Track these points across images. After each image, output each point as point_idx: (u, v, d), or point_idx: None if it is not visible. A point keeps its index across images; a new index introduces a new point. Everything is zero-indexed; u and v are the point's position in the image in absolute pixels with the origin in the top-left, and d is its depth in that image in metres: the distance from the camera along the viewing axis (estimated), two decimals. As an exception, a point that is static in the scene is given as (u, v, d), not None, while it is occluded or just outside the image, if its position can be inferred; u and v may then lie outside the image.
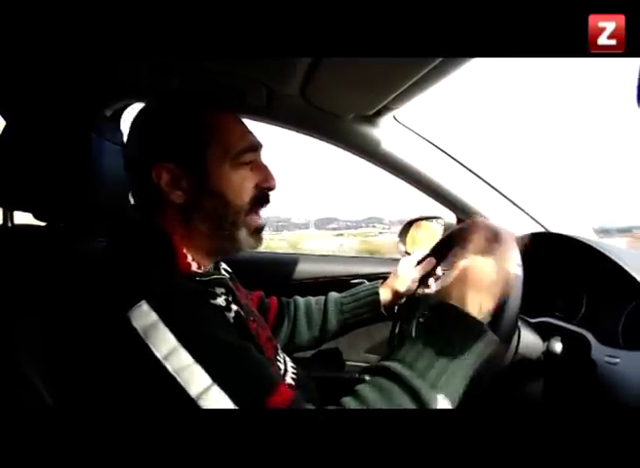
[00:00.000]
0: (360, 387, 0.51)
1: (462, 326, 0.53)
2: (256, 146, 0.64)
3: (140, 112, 0.65)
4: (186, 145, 0.60)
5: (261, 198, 0.64)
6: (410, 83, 0.78)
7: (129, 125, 0.66)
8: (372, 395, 0.49)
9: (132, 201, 0.67)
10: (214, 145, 0.60)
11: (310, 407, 0.50)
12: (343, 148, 1.08)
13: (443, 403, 0.49)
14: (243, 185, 0.62)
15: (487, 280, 0.56)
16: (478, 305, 0.54)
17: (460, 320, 0.53)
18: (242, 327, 0.57)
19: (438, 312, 0.56)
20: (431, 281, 0.92)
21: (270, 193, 0.66)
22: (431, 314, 0.59)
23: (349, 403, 0.49)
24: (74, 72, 0.90)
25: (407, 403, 0.48)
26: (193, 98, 0.64)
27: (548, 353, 0.67)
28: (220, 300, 0.57)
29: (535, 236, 0.90)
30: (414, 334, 0.86)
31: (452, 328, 0.53)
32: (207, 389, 0.45)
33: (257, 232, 0.65)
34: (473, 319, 0.53)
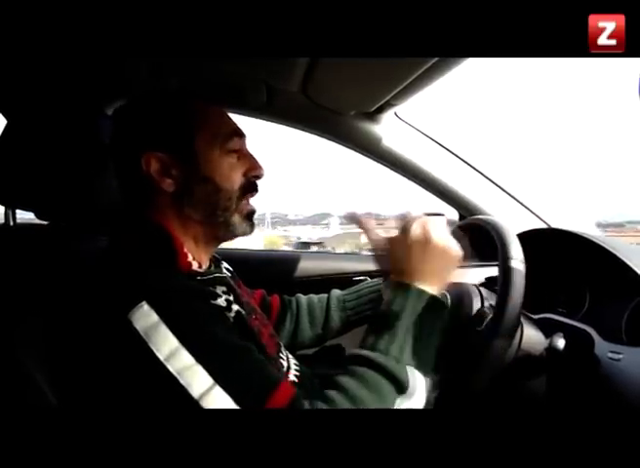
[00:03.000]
0: (338, 378, 0.54)
1: (409, 296, 0.57)
2: (240, 134, 0.65)
3: (126, 104, 0.65)
4: (175, 132, 0.61)
5: (250, 186, 0.65)
6: (411, 79, 0.78)
7: (114, 118, 0.66)
8: (348, 382, 0.52)
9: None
10: (202, 131, 0.61)
11: (313, 403, 0.50)
12: (345, 145, 1.08)
13: (414, 373, 0.53)
14: (232, 172, 0.63)
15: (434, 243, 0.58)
16: (424, 272, 0.58)
17: (407, 291, 0.57)
18: (243, 326, 0.57)
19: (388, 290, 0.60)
20: None
21: (258, 182, 0.67)
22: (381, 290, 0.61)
23: (330, 394, 0.52)
24: (75, 71, 0.90)
25: (380, 380, 0.52)
26: (180, 90, 0.65)
27: (551, 349, 0.66)
28: (221, 300, 0.57)
29: (537, 232, 0.90)
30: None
31: (402, 301, 0.57)
32: (209, 389, 0.46)
33: (248, 218, 0.66)
34: (418, 289, 0.57)
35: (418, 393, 0.53)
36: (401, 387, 0.52)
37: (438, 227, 0.59)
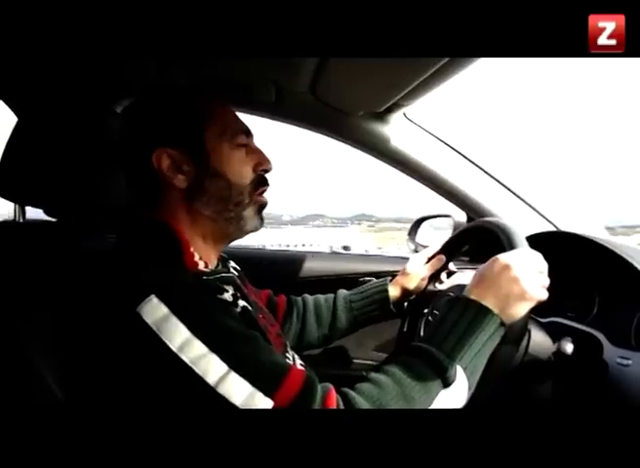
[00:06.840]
0: (385, 365, 0.54)
1: (479, 314, 0.55)
2: (247, 130, 0.66)
3: (135, 102, 0.66)
4: (184, 127, 0.61)
5: (261, 180, 0.66)
6: (420, 80, 0.78)
7: (123, 116, 0.67)
8: (395, 369, 0.53)
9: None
10: (211, 125, 0.62)
11: (324, 385, 0.51)
12: (353, 145, 1.07)
13: (462, 376, 0.53)
14: (242, 167, 0.64)
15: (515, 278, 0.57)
16: (498, 302, 0.56)
17: (477, 310, 0.56)
18: (249, 321, 0.58)
19: (458, 300, 0.59)
20: (444, 276, 0.92)
21: (267, 175, 0.67)
22: (451, 301, 0.60)
23: (376, 377, 0.53)
24: (85, 70, 0.91)
25: (426, 369, 0.52)
26: (188, 87, 0.66)
27: (559, 353, 0.66)
28: (227, 295, 0.57)
29: (546, 235, 0.90)
30: (422, 331, 0.86)
31: (463, 311, 0.56)
32: (225, 376, 0.46)
33: (259, 212, 0.66)
34: (490, 311, 0.55)
35: (460, 393, 0.53)
36: (446, 381, 0.51)
37: (532, 265, 0.58)
